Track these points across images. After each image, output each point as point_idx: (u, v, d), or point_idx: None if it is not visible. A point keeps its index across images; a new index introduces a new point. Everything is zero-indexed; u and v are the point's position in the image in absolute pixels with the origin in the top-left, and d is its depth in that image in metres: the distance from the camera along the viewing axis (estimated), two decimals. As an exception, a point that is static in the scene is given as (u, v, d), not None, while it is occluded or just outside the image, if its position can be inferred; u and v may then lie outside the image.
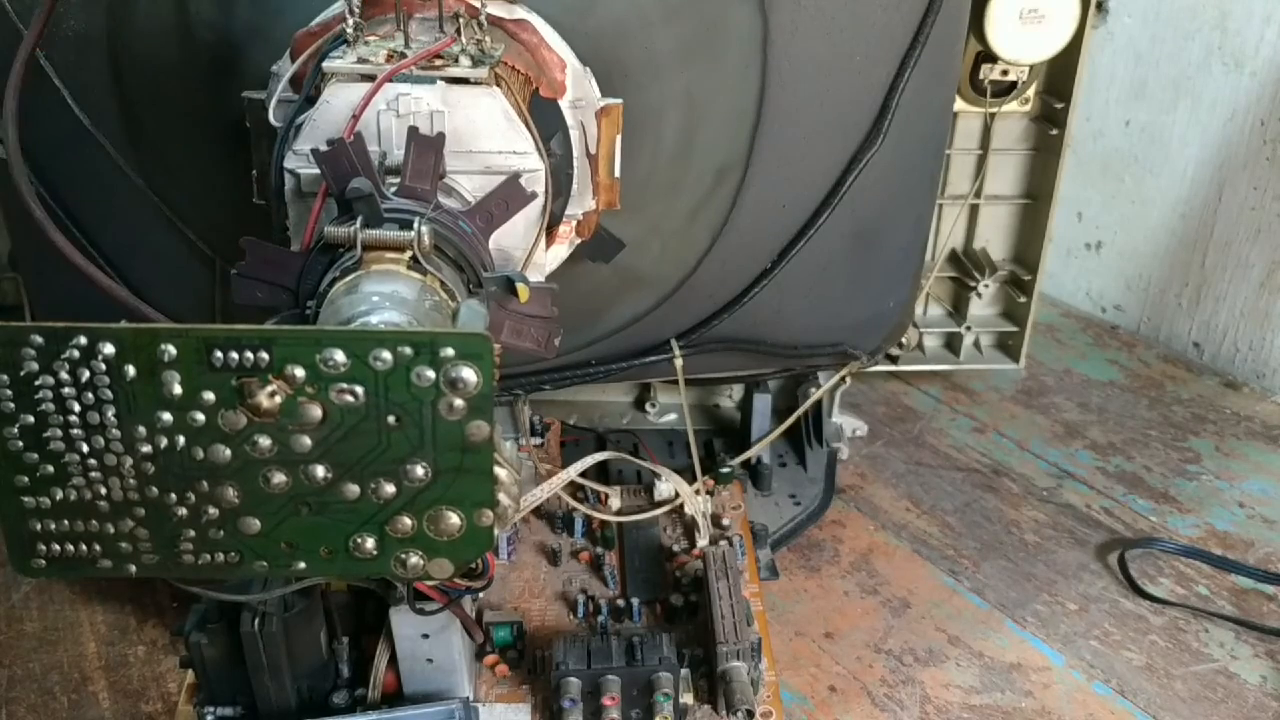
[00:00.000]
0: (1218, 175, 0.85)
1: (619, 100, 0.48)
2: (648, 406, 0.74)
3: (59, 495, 0.31)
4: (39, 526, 0.32)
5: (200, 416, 0.30)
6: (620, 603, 0.57)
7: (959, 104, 0.72)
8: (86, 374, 0.29)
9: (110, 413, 0.30)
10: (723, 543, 0.58)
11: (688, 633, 0.55)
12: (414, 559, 0.32)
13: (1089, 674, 0.58)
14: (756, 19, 0.51)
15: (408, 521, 0.32)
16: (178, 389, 0.30)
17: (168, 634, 0.59)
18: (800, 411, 0.69)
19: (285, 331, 0.29)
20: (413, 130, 0.38)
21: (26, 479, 0.31)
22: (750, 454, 0.70)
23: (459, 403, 0.30)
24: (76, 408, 0.30)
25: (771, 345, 0.62)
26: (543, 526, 0.63)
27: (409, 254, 0.35)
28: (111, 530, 0.32)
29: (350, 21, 0.41)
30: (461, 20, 0.42)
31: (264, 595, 0.47)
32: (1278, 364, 0.86)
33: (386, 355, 0.29)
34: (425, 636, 0.50)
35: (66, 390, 0.30)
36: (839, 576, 0.65)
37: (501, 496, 0.33)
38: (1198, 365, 0.88)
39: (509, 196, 0.39)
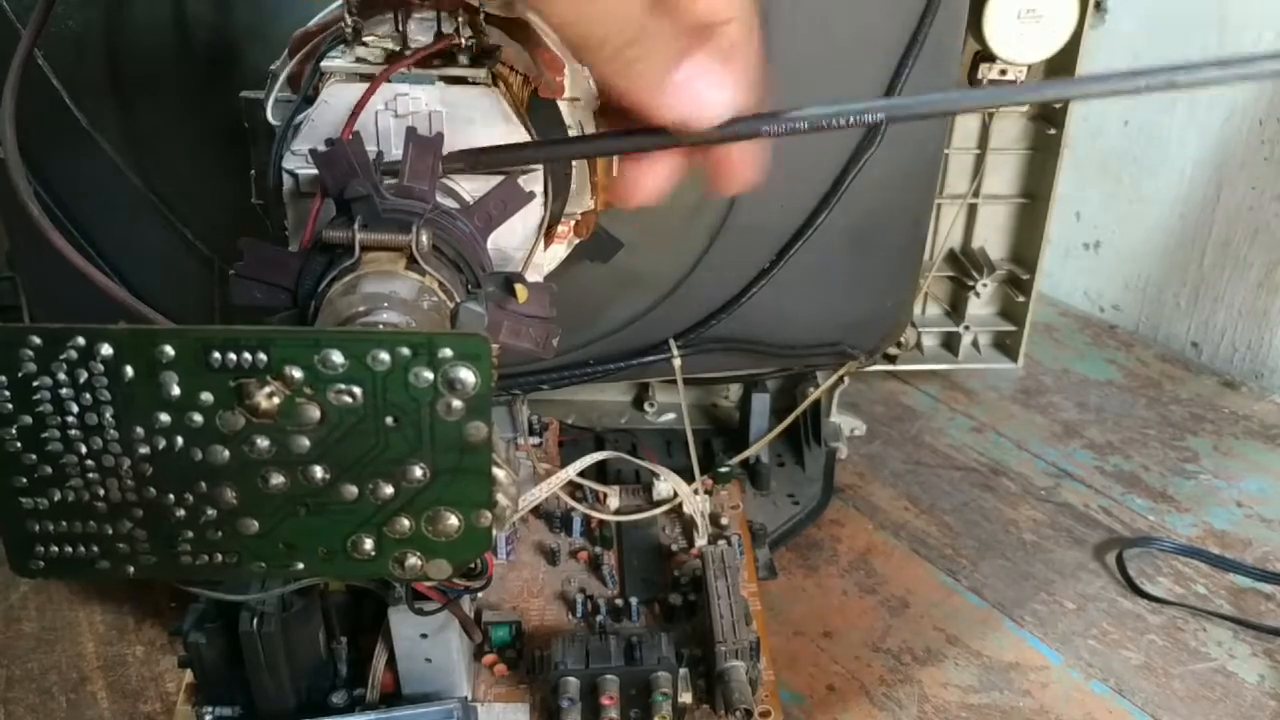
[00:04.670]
0: (1216, 175, 0.86)
1: (617, 100, 0.48)
2: (646, 406, 0.74)
3: (57, 496, 0.31)
4: (37, 527, 0.32)
5: (198, 417, 0.30)
6: (619, 602, 0.57)
7: (957, 103, 0.72)
8: (84, 375, 0.29)
9: (108, 414, 0.30)
10: (721, 542, 0.58)
11: (686, 632, 0.55)
12: (412, 559, 0.32)
13: (1087, 673, 0.58)
14: (755, 19, 0.51)
15: (406, 522, 0.32)
16: (176, 390, 0.29)
17: (166, 634, 0.59)
18: (799, 411, 0.70)
19: (283, 332, 0.29)
20: (411, 130, 0.38)
21: (25, 480, 0.31)
22: (749, 453, 0.70)
23: (457, 403, 0.30)
24: (74, 409, 0.30)
25: (770, 345, 0.62)
26: (541, 526, 0.63)
27: (407, 254, 0.35)
28: (110, 531, 0.32)
29: (348, 21, 0.41)
30: (460, 19, 0.41)
31: (262, 595, 0.47)
32: (1276, 363, 0.86)
33: (384, 356, 0.29)
34: (424, 636, 0.50)
35: (64, 391, 0.30)
36: (837, 576, 0.65)
37: (500, 497, 0.33)
38: (1196, 365, 0.88)
39: (507, 196, 0.39)
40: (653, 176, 0.36)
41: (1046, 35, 0.66)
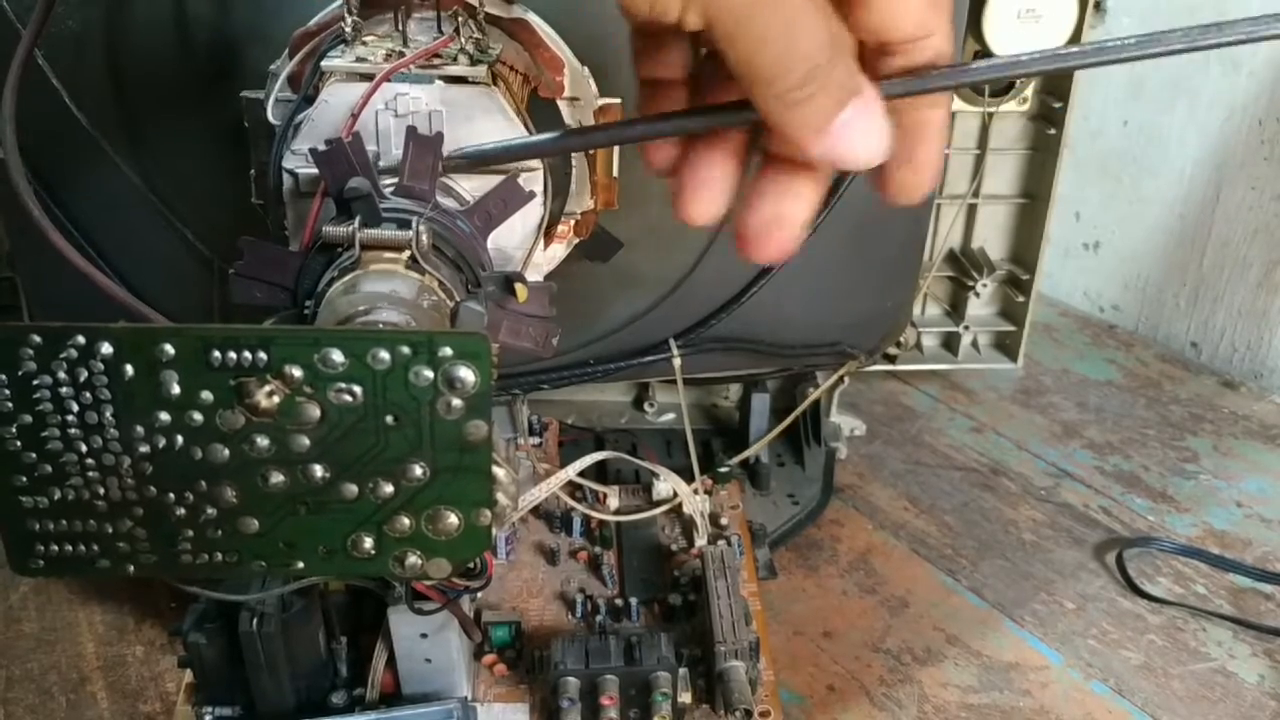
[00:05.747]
0: (1215, 175, 0.86)
1: (618, 100, 0.48)
2: (646, 406, 0.74)
3: (57, 495, 0.31)
4: (37, 526, 0.32)
5: (198, 416, 0.30)
6: (618, 602, 0.57)
7: (957, 103, 0.72)
8: (84, 373, 0.29)
9: (108, 412, 0.30)
10: (721, 542, 0.58)
11: (686, 632, 0.55)
12: (412, 558, 0.32)
13: (1087, 673, 0.58)
14: (755, 19, 0.51)
15: (406, 521, 0.32)
16: (176, 389, 0.29)
17: (166, 634, 0.59)
18: (799, 411, 0.70)
19: (283, 331, 0.29)
20: (411, 130, 0.38)
21: (25, 479, 0.31)
22: (749, 453, 0.70)
23: (457, 402, 0.30)
24: (74, 407, 0.30)
25: (769, 345, 0.62)
26: (541, 526, 0.63)
27: (407, 254, 0.35)
28: (110, 530, 0.32)
29: (348, 20, 0.41)
30: (460, 19, 0.42)
31: (262, 595, 0.47)
32: (1275, 363, 0.86)
33: (384, 355, 0.29)
34: (423, 636, 0.50)
35: (64, 390, 0.30)
36: (837, 576, 0.65)
37: (499, 496, 0.33)
38: (1195, 365, 0.88)
39: (507, 196, 0.39)
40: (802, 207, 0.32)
41: (1046, 35, 0.66)
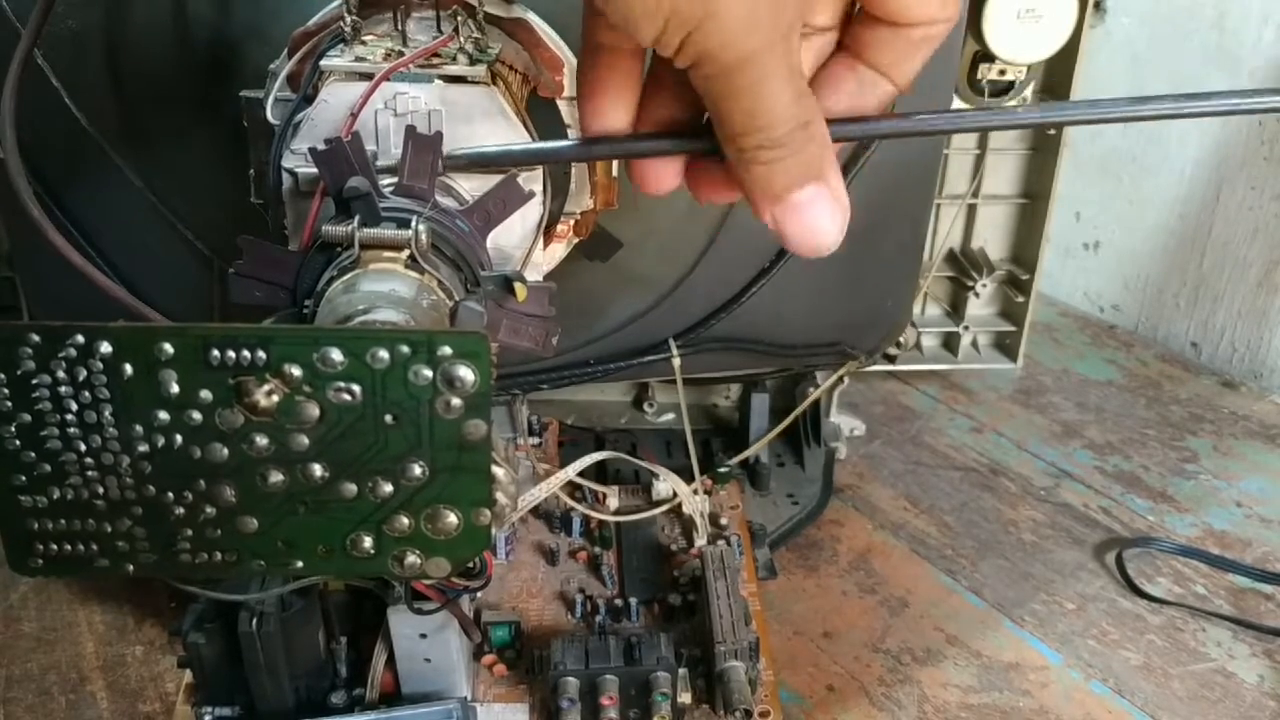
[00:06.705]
0: (1215, 175, 0.86)
1: (617, 100, 0.48)
2: (645, 406, 0.74)
3: (56, 494, 0.31)
4: (36, 526, 0.32)
5: (197, 415, 0.30)
6: (618, 602, 0.57)
7: (956, 104, 0.72)
8: (84, 373, 0.29)
9: (107, 412, 0.30)
10: (720, 542, 0.58)
11: (685, 632, 0.55)
12: (411, 558, 0.32)
13: (1087, 673, 0.58)
14: (754, 18, 0.51)
15: (405, 520, 0.32)
16: (175, 388, 0.29)
17: (166, 634, 0.59)
18: (798, 411, 0.69)
19: (283, 330, 0.29)
20: (410, 129, 0.38)
21: (24, 478, 0.31)
22: (748, 453, 0.70)
23: (456, 401, 0.30)
24: (74, 407, 0.30)
25: (769, 345, 0.62)
26: (541, 526, 0.63)
27: (406, 253, 0.35)
28: (109, 529, 0.32)
29: (348, 20, 0.41)
30: (459, 19, 0.42)
31: (262, 595, 0.47)
32: (1275, 363, 0.86)
33: (384, 354, 0.29)
34: (423, 636, 0.50)
35: (64, 389, 0.29)
36: (837, 576, 0.65)
37: (499, 495, 0.33)
38: (1195, 365, 0.88)
39: (507, 195, 0.39)
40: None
41: (1046, 35, 0.66)
